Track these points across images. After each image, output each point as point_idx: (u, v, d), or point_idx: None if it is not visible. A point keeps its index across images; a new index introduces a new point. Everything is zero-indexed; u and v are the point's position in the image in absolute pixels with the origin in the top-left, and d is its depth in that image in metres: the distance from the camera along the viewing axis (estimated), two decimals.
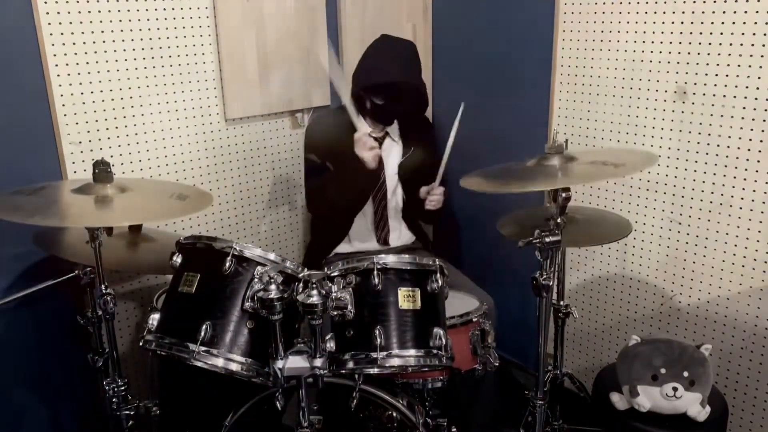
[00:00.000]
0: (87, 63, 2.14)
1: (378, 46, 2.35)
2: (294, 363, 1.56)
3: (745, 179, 2.03)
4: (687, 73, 2.09)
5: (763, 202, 2.01)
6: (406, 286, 1.62)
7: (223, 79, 2.44)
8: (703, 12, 2.02)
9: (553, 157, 1.79)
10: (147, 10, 2.22)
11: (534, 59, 2.50)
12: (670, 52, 2.12)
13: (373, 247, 2.53)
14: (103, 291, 1.75)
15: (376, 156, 2.25)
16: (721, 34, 1.99)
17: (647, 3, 2.14)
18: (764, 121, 1.96)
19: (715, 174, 2.09)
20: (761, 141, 1.98)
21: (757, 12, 1.91)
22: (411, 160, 2.47)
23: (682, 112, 2.13)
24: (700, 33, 2.04)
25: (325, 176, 2.38)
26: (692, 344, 1.98)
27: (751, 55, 1.95)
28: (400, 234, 2.56)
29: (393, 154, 2.48)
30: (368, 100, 2.32)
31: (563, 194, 1.71)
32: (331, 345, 1.58)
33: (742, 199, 2.05)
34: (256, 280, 1.57)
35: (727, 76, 2.01)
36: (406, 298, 1.60)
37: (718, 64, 2.02)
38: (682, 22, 2.07)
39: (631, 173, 2.04)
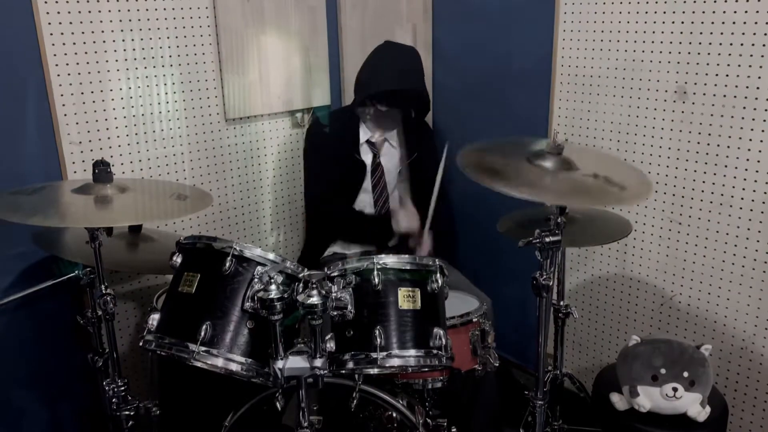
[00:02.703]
0: (87, 63, 2.14)
1: (381, 52, 2.36)
2: (294, 363, 1.56)
3: (745, 179, 2.03)
4: (687, 73, 2.09)
5: (763, 202, 2.01)
6: (406, 286, 1.61)
7: (223, 78, 2.44)
8: (703, 12, 2.02)
9: (550, 159, 1.75)
10: (147, 10, 2.22)
11: (534, 59, 2.50)
12: (670, 52, 2.12)
13: (371, 249, 2.54)
14: (103, 291, 1.75)
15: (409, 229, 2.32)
16: (721, 34, 1.99)
17: (647, 3, 2.14)
18: (764, 121, 1.96)
19: (715, 174, 2.09)
20: (761, 141, 1.98)
21: (757, 12, 1.91)
22: (413, 165, 2.48)
23: (682, 112, 2.13)
24: (700, 33, 2.04)
25: (334, 208, 2.43)
26: (692, 344, 1.98)
27: (751, 55, 1.95)
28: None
29: (392, 159, 2.48)
30: (372, 106, 2.33)
31: None
32: (331, 345, 1.58)
33: (742, 199, 2.05)
34: (256, 280, 1.57)
35: (727, 76, 2.01)
36: (406, 298, 1.60)
37: (718, 64, 2.02)
38: (682, 22, 2.07)
39: (630, 203, 1.96)
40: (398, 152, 2.48)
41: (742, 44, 1.96)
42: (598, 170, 1.75)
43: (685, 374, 1.89)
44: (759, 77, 1.94)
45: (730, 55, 1.99)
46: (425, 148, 2.53)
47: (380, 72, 2.32)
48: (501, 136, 2.67)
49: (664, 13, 2.11)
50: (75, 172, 2.18)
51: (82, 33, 2.12)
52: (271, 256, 1.61)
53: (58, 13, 2.06)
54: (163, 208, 1.79)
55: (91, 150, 2.20)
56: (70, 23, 2.09)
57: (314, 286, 1.53)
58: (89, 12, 2.12)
